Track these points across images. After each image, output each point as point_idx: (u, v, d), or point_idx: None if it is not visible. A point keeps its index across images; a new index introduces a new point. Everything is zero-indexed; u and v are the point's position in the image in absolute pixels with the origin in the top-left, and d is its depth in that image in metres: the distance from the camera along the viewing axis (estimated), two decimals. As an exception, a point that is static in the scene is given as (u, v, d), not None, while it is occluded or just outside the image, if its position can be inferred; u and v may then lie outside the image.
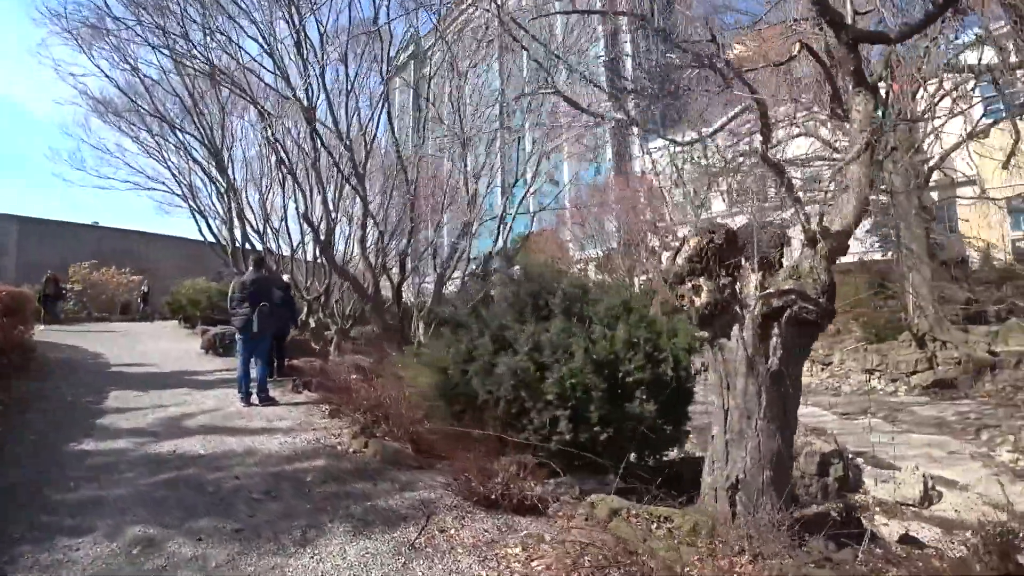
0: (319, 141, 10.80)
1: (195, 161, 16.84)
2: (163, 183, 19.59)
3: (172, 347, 14.34)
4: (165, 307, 21.92)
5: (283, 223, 18.02)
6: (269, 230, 18.24)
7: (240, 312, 8.65)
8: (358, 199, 12.49)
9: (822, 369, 21.50)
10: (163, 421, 7.49)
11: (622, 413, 5.45)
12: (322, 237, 11.12)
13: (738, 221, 30.03)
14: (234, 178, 16.11)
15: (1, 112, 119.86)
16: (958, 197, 23.32)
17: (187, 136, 16.20)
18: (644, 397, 5.45)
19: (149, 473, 5.43)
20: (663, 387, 5.64)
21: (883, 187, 22.14)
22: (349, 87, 11.31)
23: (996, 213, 31.76)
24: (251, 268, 9.26)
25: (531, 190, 14.09)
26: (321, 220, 11.98)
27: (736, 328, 4.49)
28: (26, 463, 5.59)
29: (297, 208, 15.67)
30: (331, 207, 12.24)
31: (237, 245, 17.65)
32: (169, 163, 18.35)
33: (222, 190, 16.00)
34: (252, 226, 17.51)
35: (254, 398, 8.67)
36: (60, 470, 5.41)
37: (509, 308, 6.49)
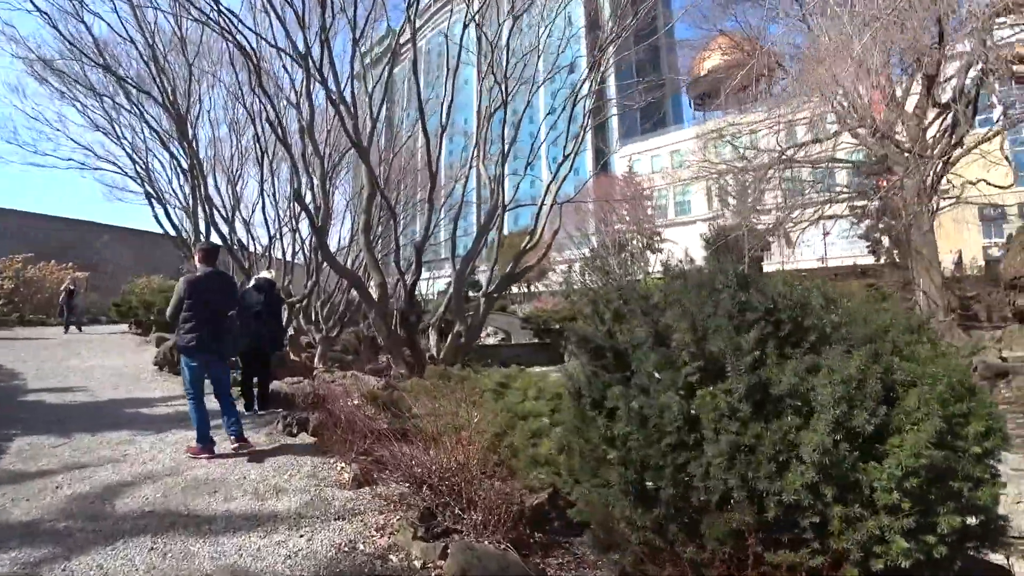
0: (313, 89, 7.78)
1: (153, 131, 13.26)
2: (114, 162, 15.92)
3: (117, 363, 10.86)
4: (112, 310, 18.03)
5: (257, 212, 14.73)
6: (239, 220, 14.92)
7: (185, 328, 5.61)
8: (355, 181, 9.57)
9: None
10: (82, 500, 4.41)
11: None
12: (317, 222, 8.14)
13: (724, 222, 27.74)
14: (200, 158, 12.66)
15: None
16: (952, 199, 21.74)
17: (145, 103, 12.67)
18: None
19: None
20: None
21: (895, 192, 20.64)
22: (357, 35, 8.33)
23: (970, 220, 30.97)
24: (199, 261, 5.98)
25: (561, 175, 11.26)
26: (317, 203, 8.92)
27: None
28: None
29: (275, 194, 12.49)
30: (328, 184, 9.22)
31: (202, 237, 14.20)
32: (122, 139, 14.77)
33: (184, 167, 12.47)
34: (220, 214, 14.19)
35: (226, 444, 5.66)
36: None
37: (715, 334, 3.71)
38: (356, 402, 8.45)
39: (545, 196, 9.87)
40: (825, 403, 2.80)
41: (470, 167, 10.63)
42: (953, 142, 19.52)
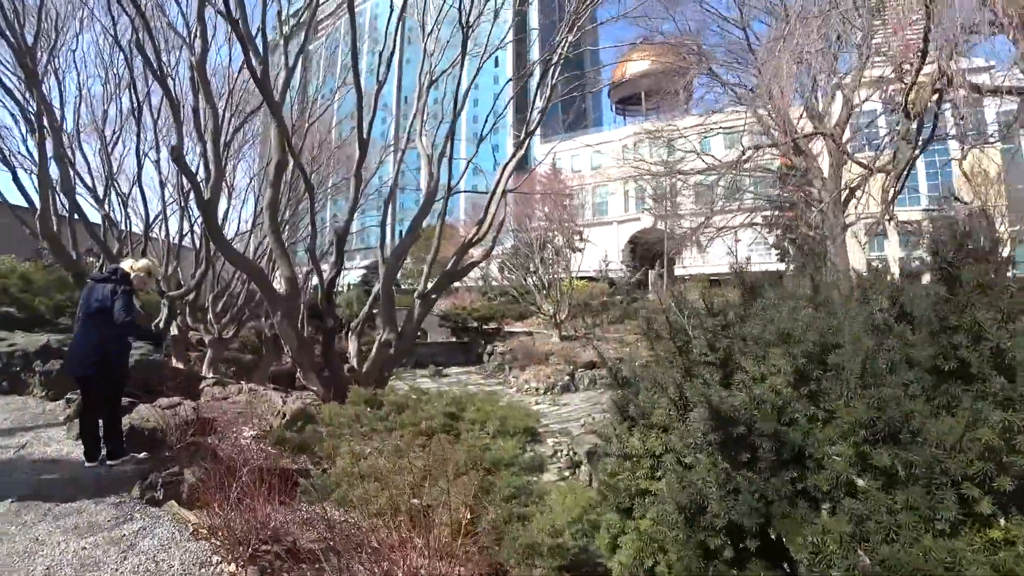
0: (207, 13, 5.53)
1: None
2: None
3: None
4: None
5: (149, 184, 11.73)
6: (114, 194, 11.87)
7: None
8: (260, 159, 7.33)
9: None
10: None
11: None
12: (205, 193, 5.85)
13: (641, 225, 27.32)
14: (50, 104, 9.50)
15: None
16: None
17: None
18: None
19: None
20: None
21: (813, 205, 20.78)
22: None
23: (858, 234, 32.47)
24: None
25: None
26: (208, 167, 6.59)
27: None
28: None
29: (159, 161, 9.90)
30: (222, 146, 6.87)
31: (61, 210, 11.02)
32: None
33: (31, 115, 9.30)
34: (84, 182, 11.07)
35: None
36: None
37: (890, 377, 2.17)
38: (252, 433, 6.30)
39: (498, 183, 8.09)
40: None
41: (407, 139, 8.60)
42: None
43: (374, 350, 7.94)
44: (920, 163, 24.21)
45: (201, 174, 7.91)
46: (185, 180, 8.83)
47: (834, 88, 18.69)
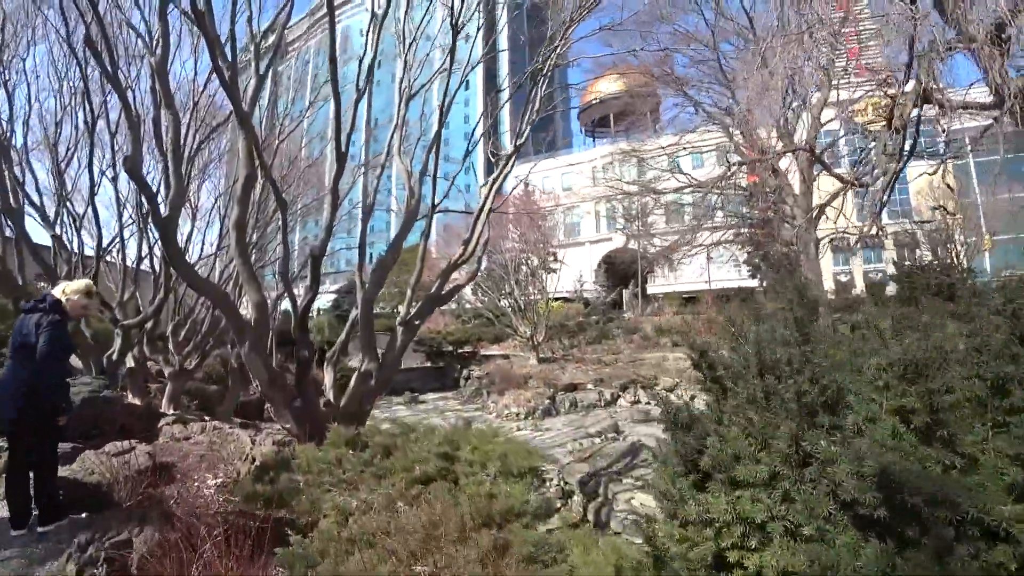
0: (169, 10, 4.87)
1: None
2: None
3: None
4: None
5: (89, 208, 10.78)
6: (66, 213, 10.90)
7: None
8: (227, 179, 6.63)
9: (729, 400, 19.07)
10: None
11: None
12: (164, 208, 5.12)
13: (613, 245, 27.10)
14: (11, 127, 8.57)
15: None
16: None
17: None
18: None
19: None
20: None
21: (786, 220, 20.86)
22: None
23: (823, 249, 32.93)
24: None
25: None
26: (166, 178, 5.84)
27: None
28: None
29: (117, 178, 9.12)
30: (183, 156, 6.13)
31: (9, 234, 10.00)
32: None
33: None
34: (33, 201, 10.06)
35: None
36: None
37: None
38: (217, 482, 5.50)
39: (486, 200, 7.50)
40: None
41: (387, 154, 7.96)
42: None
43: (353, 382, 7.19)
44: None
45: (163, 194, 7.18)
46: (144, 198, 8.03)
47: (800, 109, 18.92)
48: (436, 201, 8.10)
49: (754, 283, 26.30)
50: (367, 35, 7.13)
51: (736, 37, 18.80)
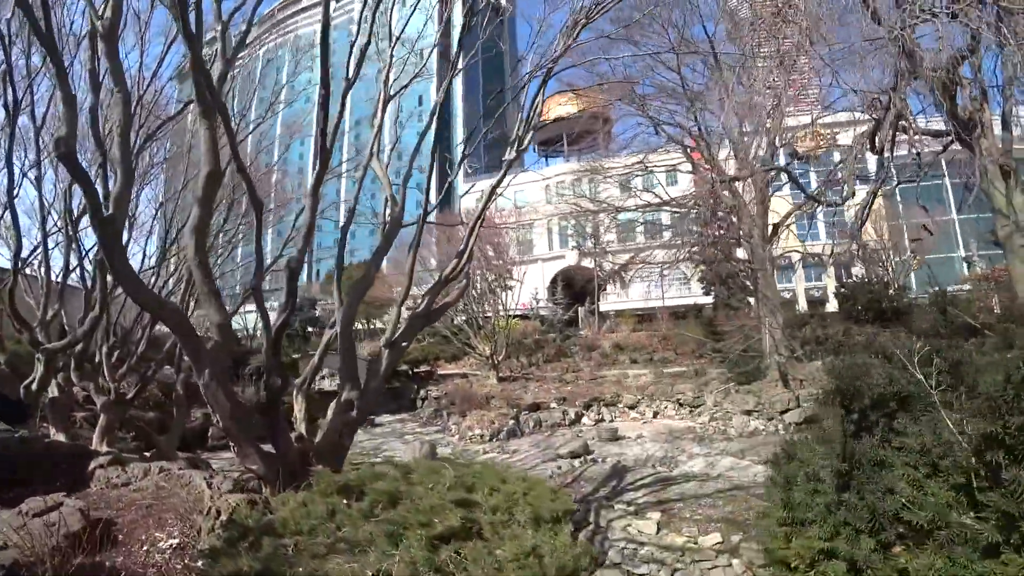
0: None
1: None
2: None
3: None
4: None
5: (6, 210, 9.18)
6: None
7: None
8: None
9: (691, 412, 18.86)
10: None
11: None
12: (105, 207, 4.06)
13: (566, 262, 26.88)
14: None
15: None
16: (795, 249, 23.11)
17: None
18: None
19: None
20: None
21: (742, 239, 21.05)
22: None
23: (796, 266, 33.69)
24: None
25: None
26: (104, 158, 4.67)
27: None
28: None
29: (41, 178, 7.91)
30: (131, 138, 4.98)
31: None
32: None
33: None
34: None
35: None
36: None
37: None
38: (172, 543, 4.38)
39: (484, 208, 6.70)
40: None
41: (369, 159, 7.01)
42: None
43: (330, 413, 6.15)
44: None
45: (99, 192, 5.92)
46: (75, 199, 6.75)
47: (756, 134, 19.19)
48: (427, 209, 7.19)
49: (708, 300, 26.42)
50: (360, 17, 6.21)
51: (697, 61, 18.92)
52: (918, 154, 10.14)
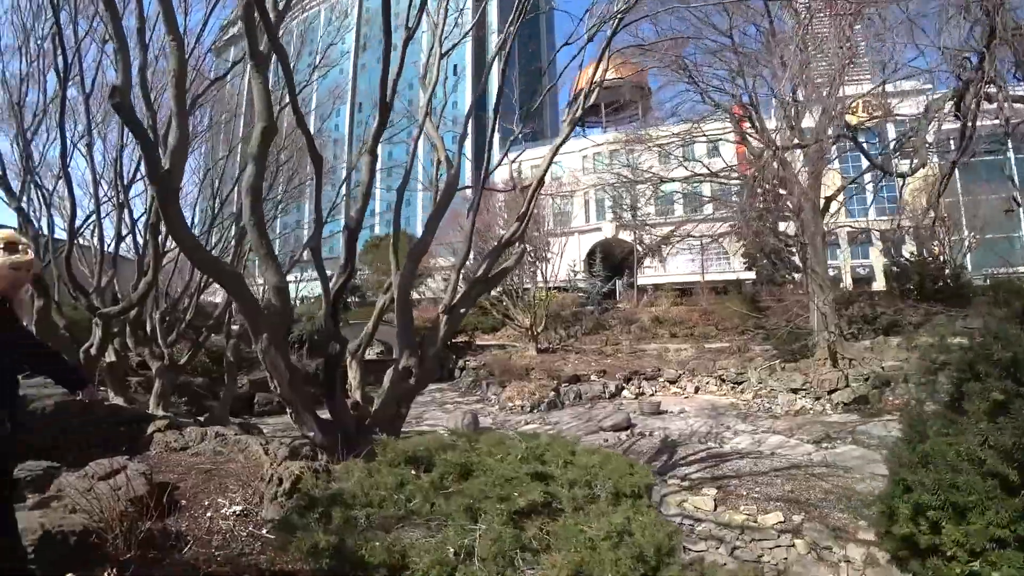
0: None
1: None
2: None
3: None
4: None
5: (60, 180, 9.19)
6: (34, 188, 9.28)
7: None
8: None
9: (734, 388, 18.32)
10: None
11: None
12: (165, 163, 3.85)
13: (603, 235, 26.20)
14: None
15: None
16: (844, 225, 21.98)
17: None
18: None
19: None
20: None
21: (788, 213, 20.14)
22: None
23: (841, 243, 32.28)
24: None
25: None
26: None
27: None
28: None
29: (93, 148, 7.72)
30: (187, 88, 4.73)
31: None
32: None
33: None
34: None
35: None
36: None
37: None
38: (236, 510, 4.23)
39: (545, 171, 6.30)
40: None
41: (424, 118, 6.63)
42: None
43: (387, 381, 5.92)
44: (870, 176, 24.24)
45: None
46: (124, 166, 6.59)
47: (813, 101, 18.03)
48: (487, 170, 6.83)
49: (749, 275, 25.52)
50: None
51: (749, 25, 17.79)
52: (1007, 120, 9.19)
